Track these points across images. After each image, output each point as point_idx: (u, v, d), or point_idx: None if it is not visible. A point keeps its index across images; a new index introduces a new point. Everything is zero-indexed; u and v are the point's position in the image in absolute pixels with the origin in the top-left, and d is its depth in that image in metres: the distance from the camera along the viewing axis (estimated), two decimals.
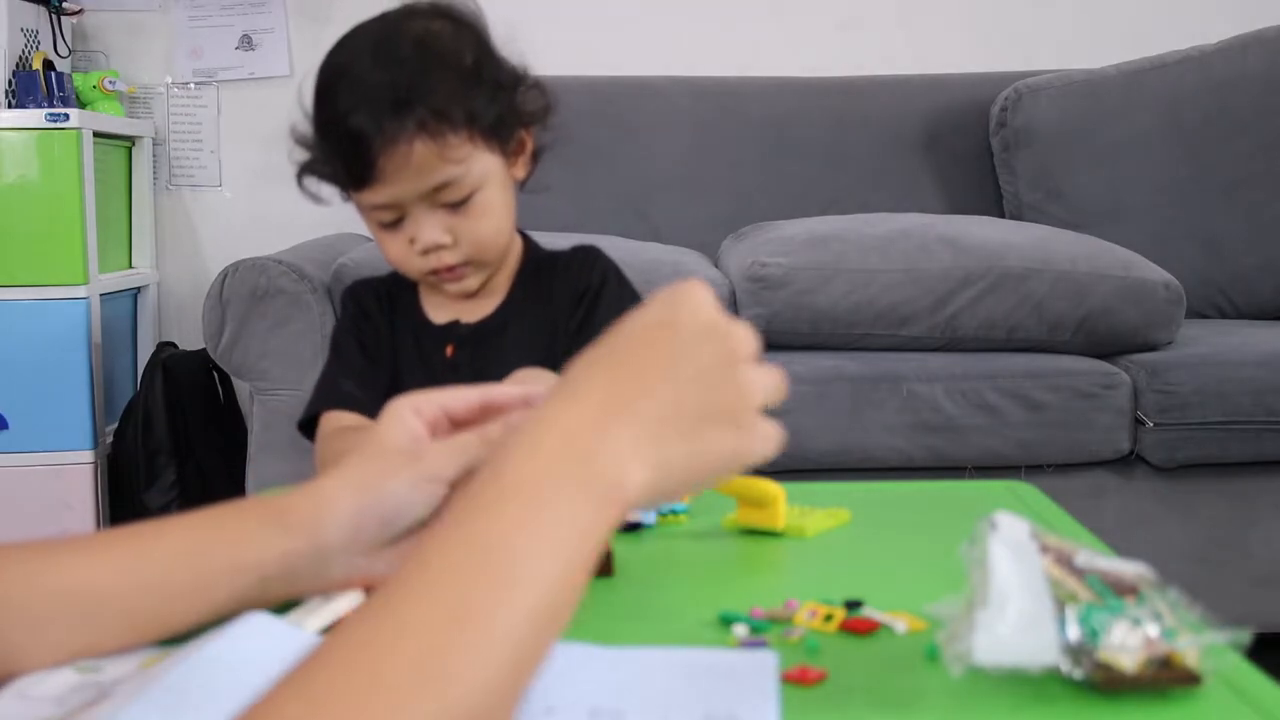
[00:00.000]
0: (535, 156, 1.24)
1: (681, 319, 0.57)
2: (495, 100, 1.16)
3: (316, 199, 1.22)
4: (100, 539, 0.69)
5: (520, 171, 1.23)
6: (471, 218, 1.16)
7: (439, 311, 1.26)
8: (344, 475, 0.72)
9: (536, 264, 1.28)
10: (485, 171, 1.16)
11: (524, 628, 0.47)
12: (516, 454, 0.52)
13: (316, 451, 1.20)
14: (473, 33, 1.18)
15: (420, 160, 1.12)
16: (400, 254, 1.19)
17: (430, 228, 1.16)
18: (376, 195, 1.14)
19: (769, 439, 0.58)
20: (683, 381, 0.56)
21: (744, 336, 0.58)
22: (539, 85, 1.22)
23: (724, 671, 0.64)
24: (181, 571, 0.68)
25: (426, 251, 1.17)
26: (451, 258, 1.17)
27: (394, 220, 1.17)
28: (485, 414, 0.79)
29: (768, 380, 0.59)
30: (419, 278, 1.22)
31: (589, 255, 1.28)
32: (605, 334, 0.58)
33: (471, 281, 1.21)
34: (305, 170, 1.21)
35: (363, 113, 1.11)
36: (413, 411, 0.75)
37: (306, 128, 1.19)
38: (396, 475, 0.71)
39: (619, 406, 0.54)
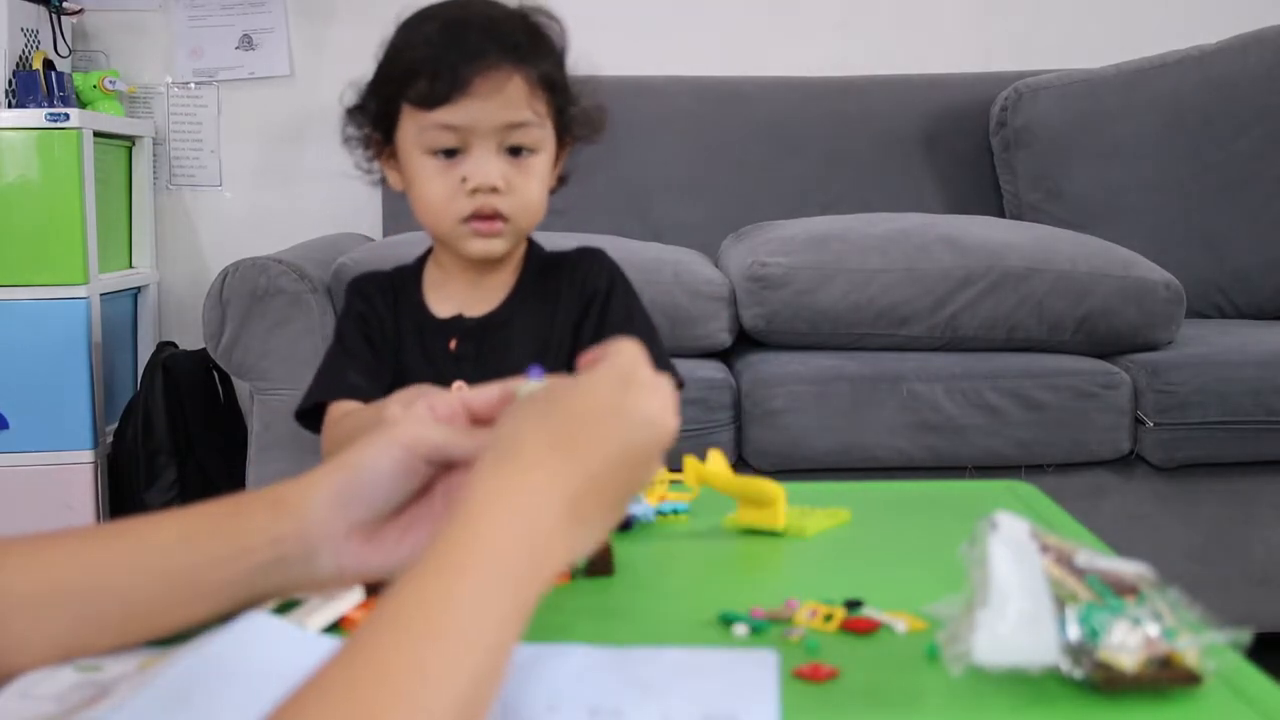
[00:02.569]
0: (563, 179, 1.28)
1: (631, 406, 0.63)
2: (568, 99, 1.23)
3: (358, 135, 1.23)
4: (98, 531, 0.71)
5: (551, 181, 1.25)
6: (526, 173, 1.19)
7: (443, 305, 1.26)
8: (333, 459, 0.73)
9: (541, 262, 1.29)
10: (548, 140, 1.20)
11: (469, 691, 0.50)
12: (467, 527, 0.57)
13: (324, 438, 1.20)
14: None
15: (513, 91, 1.15)
16: (444, 192, 1.18)
17: (490, 166, 1.17)
18: (453, 114, 1.15)
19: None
20: (618, 467, 0.62)
21: (674, 430, 0.65)
22: (598, 108, 1.27)
23: (724, 671, 0.64)
24: (176, 559, 0.68)
25: (477, 191, 1.17)
26: (500, 203, 1.18)
27: (450, 150, 1.17)
28: (505, 405, 0.78)
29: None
30: (450, 227, 1.20)
31: (594, 257, 1.29)
32: (562, 390, 0.64)
33: (499, 243, 1.21)
34: (364, 105, 1.22)
35: (473, 31, 1.15)
36: (428, 409, 0.75)
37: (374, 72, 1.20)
38: (371, 445, 0.72)
39: (566, 495, 0.59)
